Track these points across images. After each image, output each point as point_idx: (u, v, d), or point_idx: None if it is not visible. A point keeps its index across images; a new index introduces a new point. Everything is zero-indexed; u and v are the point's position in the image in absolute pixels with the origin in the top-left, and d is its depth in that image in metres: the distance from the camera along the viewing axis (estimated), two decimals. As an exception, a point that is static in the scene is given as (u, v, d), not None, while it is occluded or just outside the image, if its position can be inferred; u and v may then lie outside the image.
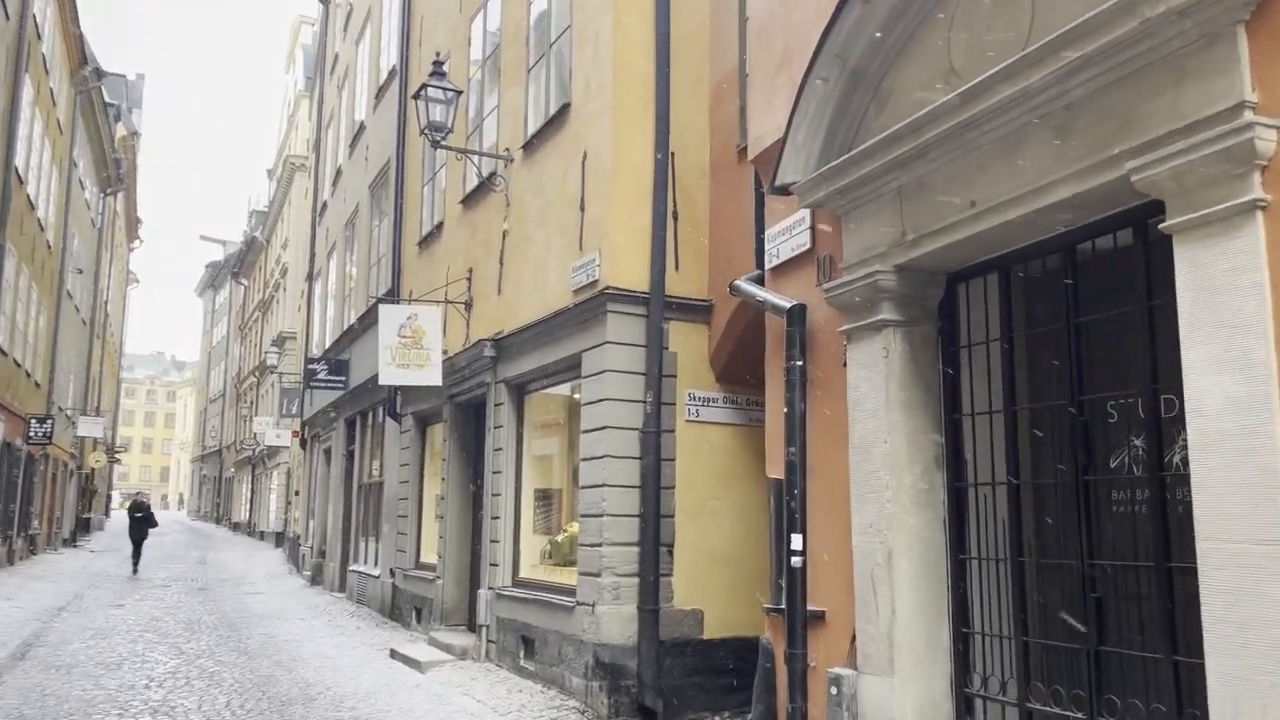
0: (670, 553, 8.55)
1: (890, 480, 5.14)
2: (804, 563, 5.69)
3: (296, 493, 29.04)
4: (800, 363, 5.84)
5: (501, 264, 11.14)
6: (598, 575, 8.36)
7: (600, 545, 8.38)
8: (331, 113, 24.06)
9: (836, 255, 5.70)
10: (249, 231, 51.89)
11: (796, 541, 5.70)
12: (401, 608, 14.38)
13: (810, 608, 5.69)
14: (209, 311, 70.20)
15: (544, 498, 10.81)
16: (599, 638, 8.27)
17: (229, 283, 57.68)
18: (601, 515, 8.40)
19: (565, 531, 10.25)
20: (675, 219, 8.94)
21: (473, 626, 11.77)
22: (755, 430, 9.08)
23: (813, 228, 6.00)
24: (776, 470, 6.20)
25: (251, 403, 46.15)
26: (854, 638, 5.35)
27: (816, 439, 5.81)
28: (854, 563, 5.35)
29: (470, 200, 12.33)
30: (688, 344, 8.93)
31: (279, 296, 39.93)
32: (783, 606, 5.92)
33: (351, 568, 18.25)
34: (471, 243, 12.24)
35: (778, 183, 5.81)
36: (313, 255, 24.76)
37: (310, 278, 25.34)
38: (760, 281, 6.65)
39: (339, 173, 21.91)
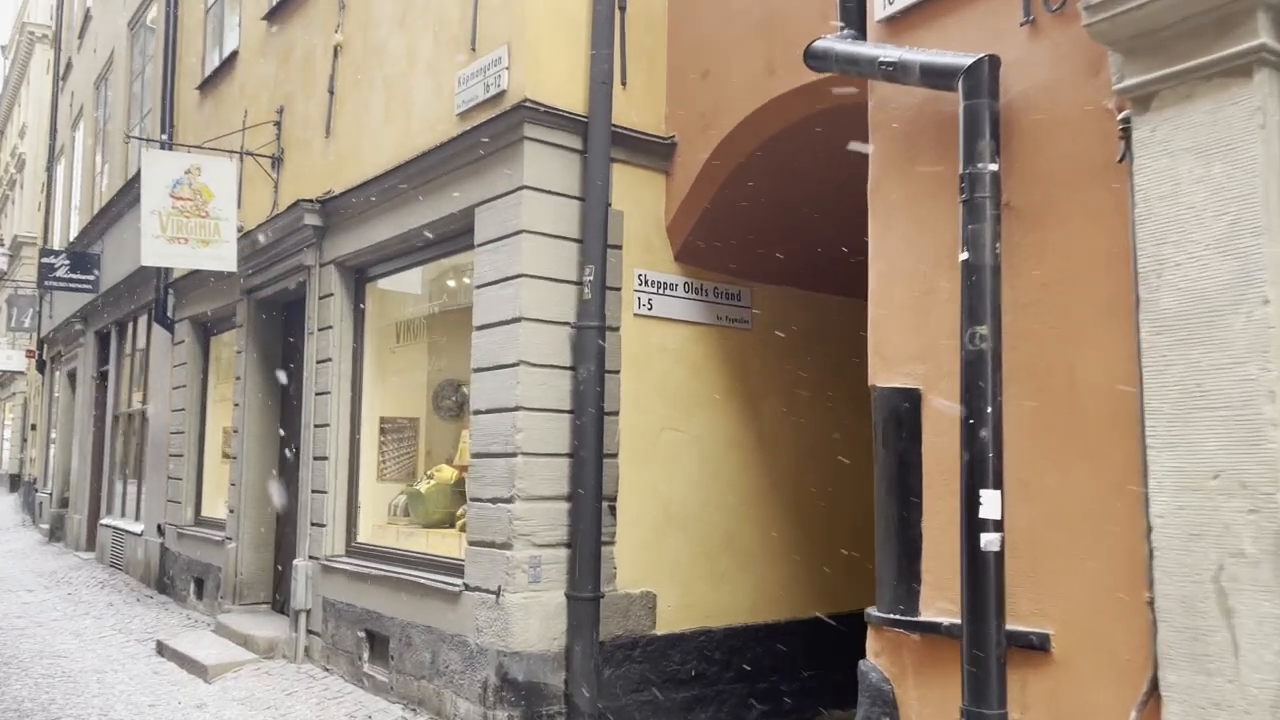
0: (613, 511, 5.69)
1: (1276, 382, 2.49)
2: (1002, 544, 3.00)
3: (33, 426, 23.87)
4: (993, 167, 3.08)
5: (333, 94, 7.71)
6: (505, 547, 5.39)
7: (509, 501, 5.40)
8: (78, -53, 18.94)
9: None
10: (-24, 119, 43.54)
11: (990, 503, 2.99)
12: (174, 577, 10.76)
13: (1015, 627, 3.02)
14: (-72, 216, 59.62)
15: (397, 431, 7.62)
16: (507, 642, 5.33)
17: (-48, 181, 48.62)
18: (513, 454, 5.41)
19: (430, 478, 7.15)
20: (622, 9, 5.92)
21: (282, 607, 8.48)
22: (727, 334, 6.30)
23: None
24: (891, 373, 3.48)
25: (-21, 322, 38.90)
26: (1151, 691, 2.72)
27: (1022, 316, 3.11)
28: (1153, 550, 2.69)
29: (280, 13, 8.72)
30: (639, 202, 5.99)
31: (15, 196, 33.45)
32: (926, 617, 3.25)
33: (104, 521, 14.18)
34: (283, 72, 8.66)
35: None
36: (53, 129, 19.66)
37: (51, 161, 20.23)
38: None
39: (87, 17, 17.09)
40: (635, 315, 5.91)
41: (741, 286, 6.42)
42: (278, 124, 8.58)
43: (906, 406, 3.43)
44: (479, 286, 5.81)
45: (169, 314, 11.04)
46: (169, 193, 8.09)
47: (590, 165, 5.62)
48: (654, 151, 6.02)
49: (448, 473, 7.03)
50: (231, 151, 8.53)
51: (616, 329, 5.76)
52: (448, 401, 7.55)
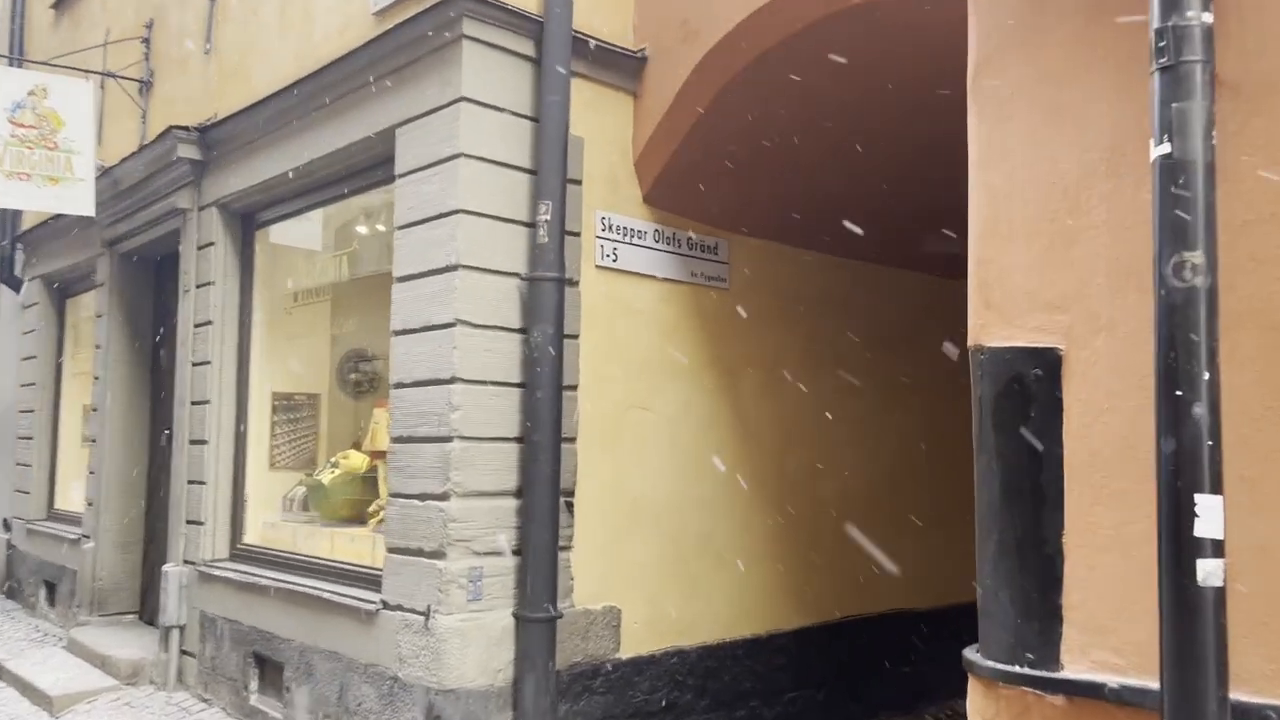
0: (570, 509, 4.59)
1: None
2: (1224, 576, 2.03)
3: None
4: (1207, 19, 2.09)
5: (214, 1, 6.35)
6: (437, 555, 4.24)
7: (443, 497, 4.24)
8: None
9: None
10: None
11: (1209, 515, 2.01)
12: (22, 581, 9.18)
13: (1241, 698, 2.05)
14: None
15: (293, 409, 6.35)
16: (438, 675, 4.19)
17: None
18: (448, 438, 4.25)
19: (334, 467, 5.92)
20: (585, -113, 4.78)
21: (151, 620, 7.11)
22: (703, 295, 5.27)
23: None
24: (1011, 327, 2.49)
25: None
26: None
27: (1243, 239, 2.14)
28: None
29: (151, -92, 7.26)
30: (601, 129, 4.88)
31: None
32: (1076, 673, 2.28)
33: (-56, 513, 12.34)
34: (153, -21, 7.22)
35: None
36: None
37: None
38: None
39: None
40: (598, 268, 4.81)
41: (720, 238, 5.38)
42: (146, 40, 7.14)
43: (1037, 375, 2.44)
44: (402, 227, 4.62)
45: (14, 271, 9.39)
46: (7, 118, 6.59)
47: (546, 76, 4.47)
48: (620, 67, 4.91)
49: (356, 460, 5.82)
50: (88, 71, 7.05)
51: (576, 283, 4.65)
52: (357, 374, 6.32)
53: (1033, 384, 2.49)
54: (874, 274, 6.34)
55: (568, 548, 4.54)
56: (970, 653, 2.61)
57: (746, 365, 5.47)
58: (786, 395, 5.65)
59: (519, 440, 4.40)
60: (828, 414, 5.80)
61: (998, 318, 2.57)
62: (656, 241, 5.08)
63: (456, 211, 4.32)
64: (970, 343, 2.65)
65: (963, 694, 2.63)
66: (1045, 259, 2.48)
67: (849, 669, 5.89)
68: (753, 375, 5.50)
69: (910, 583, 6.26)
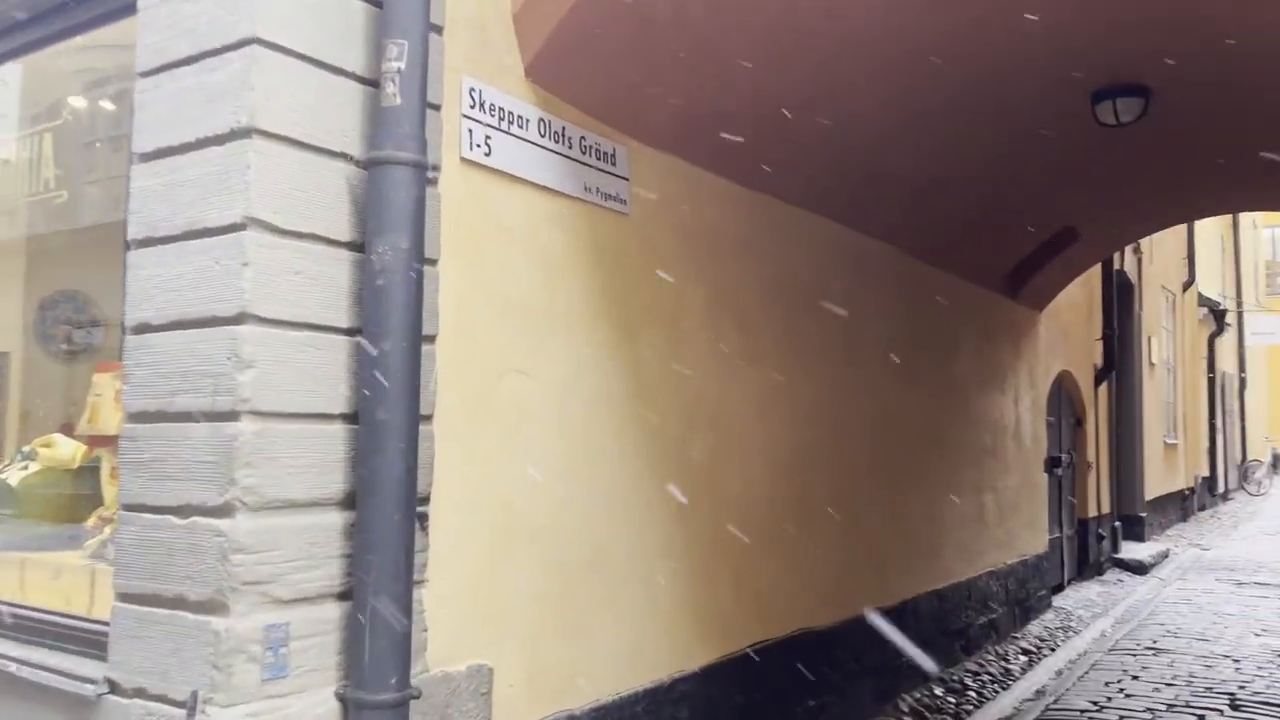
0: (424, 525, 3.00)
1: None
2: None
3: None
4: None
5: None
6: (209, 608, 2.54)
7: (220, 512, 2.54)
8: None
9: None
10: None
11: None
12: None
13: None
14: None
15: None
16: (210, 810, 2.51)
17: None
18: (230, 414, 2.55)
19: (28, 460, 3.96)
20: None
21: None
22: (598, 219, 3.83)
23: None
24: None
25: None
26: None
27: None
28: None
29: None
30: (471, -44, 3.29)
31: None
32: None
33: None
34: None
35: None
36: None
37: None
38: None
39: None
40: (464, 161, 3.23)
41: (620, 144, 3.92)
42: None
43: None
44: (152, 72, 2.83)
45: None
46: None
47: None
48: None
49: (65, 449, 3.89)
50: None
51: (434, 181, 3.06)
52: (64, 327, 4.34)
53: None
54: (802, 222, 5.14)
55: (421, 582, 2.96)
56: None
57: (648, 320, 4.07)
58: (692, 362, 4.30)
59: (350, 419, 2.77)
60: (737, 387, 4.52)
61: None
62: (542, 135, 3.55)
63: (250, 42, 2.61)
64: None
65: None
66: None
67: (760, 713, 4.65)
68: (654, 334, 4.10)
69: (818, 595, 5.11)
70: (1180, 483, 16.94)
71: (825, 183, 5.16)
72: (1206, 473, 19.67)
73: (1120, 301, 11.98)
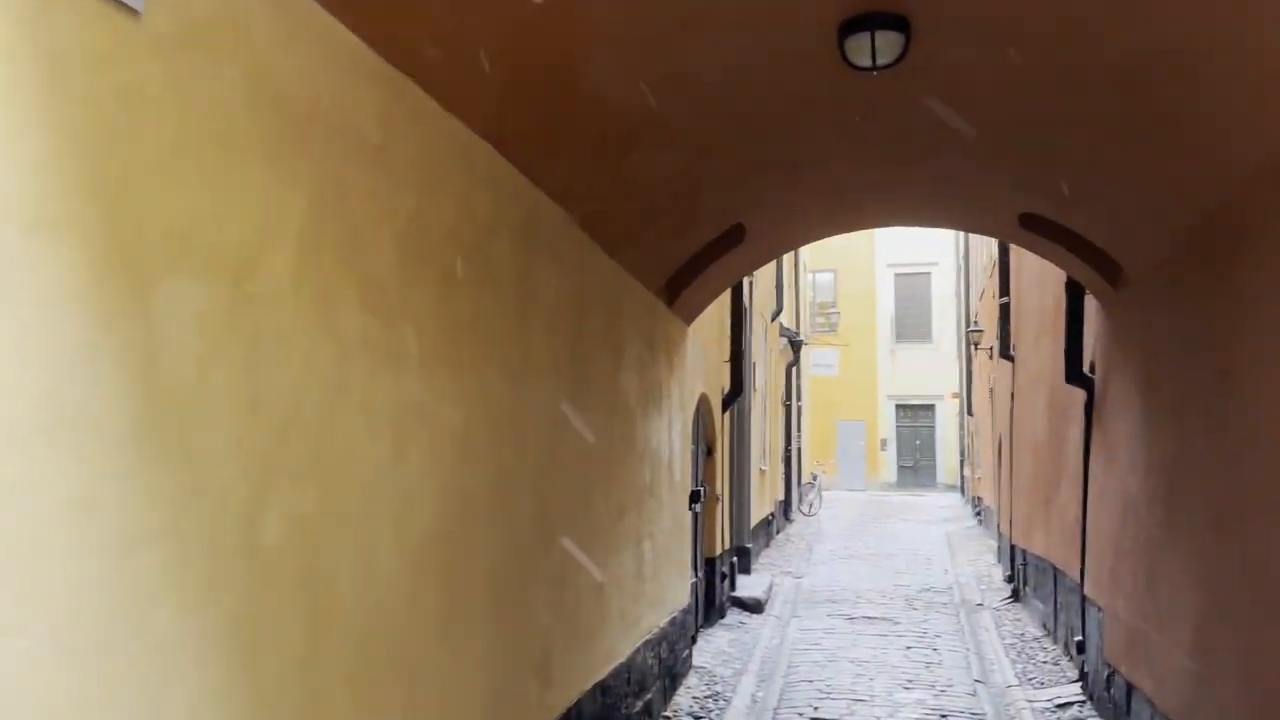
0: None
1: None
2: None
3: None
4: None
5: None
6: None
7: None
8: None
9: None
10: None
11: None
12: None
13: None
14: None
15: None
16: None
17: None
18: None
19: None
20: None
21: None
22: (98, 28, 1.54)
23: None
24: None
25: None
26: None
27: None
28: None
29: None
30: None
31: None
32: None
33: None
34: None
35: None
36: None
37: None
38: None
39: None
40: None
41: None
42: None
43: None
44: None
45: None
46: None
47: None
48: None
49: None
50: None
51: None
52: None
53: None
54: (464, 141, 3.17)
55: None
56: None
57: (175, 262, 1.91)
58: (276, 355, 2.20)
59: None
60: (359, 404, 2.49)
61: None
62: None
63: None
64: None
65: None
66: None
67: None
68: (194, 291, 1.95)
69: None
70: (768, 508, 17.18)
71: (500, 106, 3.31)
72: (783, 497, 20.44)
73: (737, 325, 11.39)
